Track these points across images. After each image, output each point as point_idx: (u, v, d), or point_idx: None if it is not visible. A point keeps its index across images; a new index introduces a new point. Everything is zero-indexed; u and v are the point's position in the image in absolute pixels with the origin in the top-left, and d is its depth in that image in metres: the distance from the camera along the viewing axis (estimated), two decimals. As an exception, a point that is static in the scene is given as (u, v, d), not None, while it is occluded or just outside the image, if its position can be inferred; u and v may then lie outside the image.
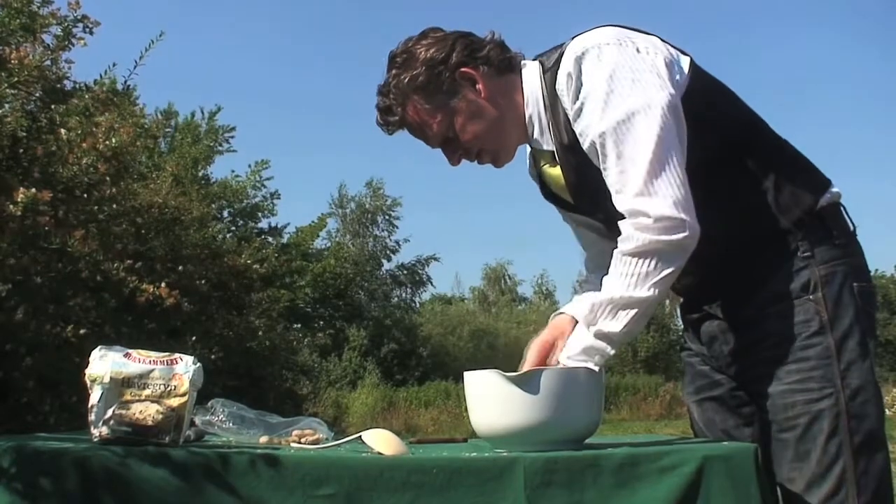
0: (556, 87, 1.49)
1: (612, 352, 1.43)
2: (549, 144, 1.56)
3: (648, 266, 1.39)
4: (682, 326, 1.76)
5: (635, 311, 1.40)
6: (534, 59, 1.60)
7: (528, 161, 1.72)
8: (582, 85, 1.44)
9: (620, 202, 1.42)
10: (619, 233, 1.43)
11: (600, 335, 1.42)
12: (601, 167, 1.44)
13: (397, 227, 24.91)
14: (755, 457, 1.26)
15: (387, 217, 24.89)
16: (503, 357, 19.35)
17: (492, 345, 23.12)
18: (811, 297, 1.46)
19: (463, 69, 1.53)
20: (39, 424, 3.49)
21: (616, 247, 1.43)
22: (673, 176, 1.38)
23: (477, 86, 1.54)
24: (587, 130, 1.44)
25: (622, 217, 1.42)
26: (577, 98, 1.44)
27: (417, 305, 25.70)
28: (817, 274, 1.47)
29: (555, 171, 1.59)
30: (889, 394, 13.60)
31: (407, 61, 1.55)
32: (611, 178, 1.43)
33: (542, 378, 1.34)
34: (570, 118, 1.48)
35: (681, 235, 1.37)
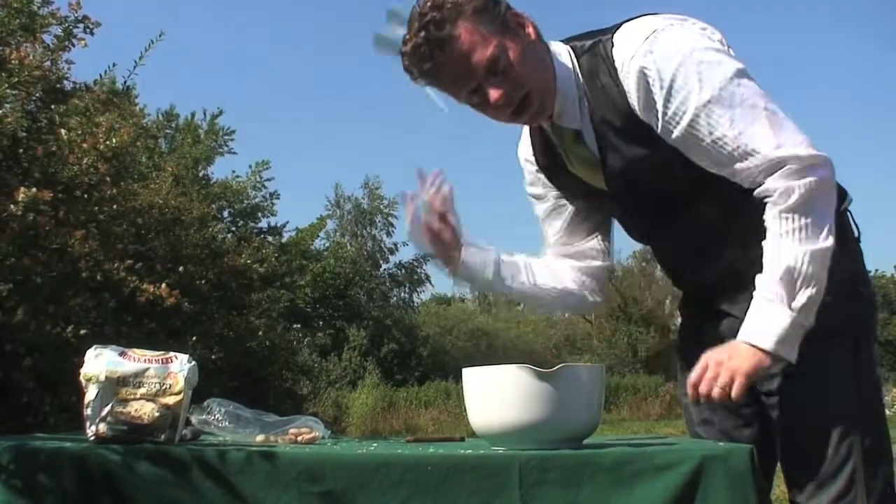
0: (617, 65, 1.42)
1: (812, 322, 1.35)
2: (572, 123, 1.50)
3: (818, 213, 1.33)
4: (681, 324, 1.75)
5: (822, 265, 1.33)
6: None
7: (524, 145, 1.69)
8: (665, 70, 1.38)
9: (753, 163, 1.35)
10: (642, 227, 1.39)
11: (805, 308, 1.33)
12: (705, 143, 1.38)
13: (395, 229, 24.91)
14: (751, 457, 1.26)
15: (385, 218, 24.88)
16: (503, 357, 19.36)
17: (491, 345, 23.12)
18: (827, 300, 1.46)
19: (513, 11, 1.46)
20: (39, 424, 3.49)
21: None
22: (791, 122, 1.37)
23: (528, 30, 1.47)
24: (684, 106, 1.37)
25: (673, 202, 1.40)
26: (663, 84, 1.38)
27: (416, 305, 25.71)
28: (833, 279, 1.47)
29: (583, 153, 1.53)
30: (889, 394, 13.60)
31: None
32: (727, 146, 1.36)
33: (542, 376, 1.34)
34: (635, 100, 1.41)
35: (827, 171, 1.34)
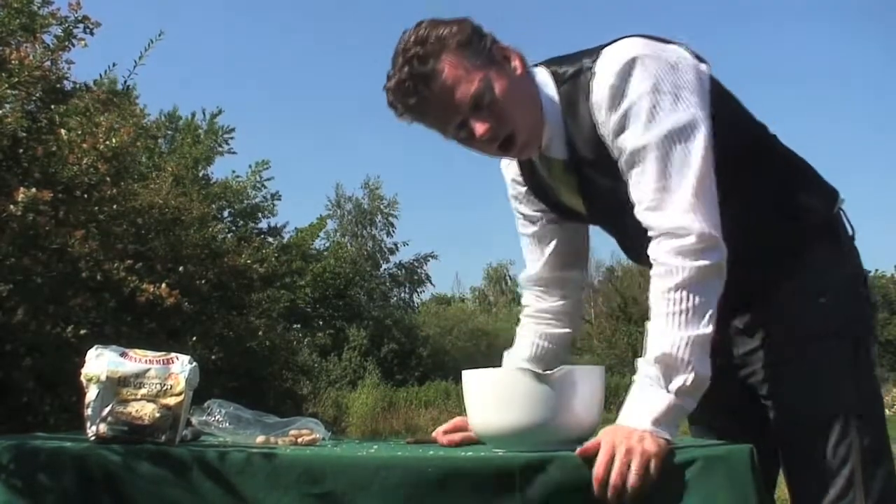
0: (592, 97, 1.42)
1: (695, 405, 1.32)
2: (559, 153, 1.50)
3: (703, 297, 1.30)
4: None
5: (703, 350, 1.30)
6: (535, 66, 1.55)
7: (510, 165, 1.68)
8: (625, 97, 1.38)
9: (658, 219, 1.35)
10: (632, 248, 1.40)
11: (683, 391, 1.29)
12: (632, 180, 1.38)
13: (395, 229, 24.92)
14: (752, 457, 1.26)
15: (385, 218, 24.88)
16: (502, 357, 19.31)
17: (491, 345, 23.11)
18: (824, 301, 1.47)
19: (499, 44, 1.45)
20: (39, 424, 3.49)
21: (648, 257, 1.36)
22: (713, 197, 1.35)
23: (514, 63, 1.45)
24: (625, 143, 1.38)
25: (645, 234, 1.36)
26: (618, 109, 1.38)
27: (416, 305, 25.71)
28: (830, 280, 1.48)
29: (569, 181, 1.54)
30: (889, 394, 13.60)
31: (438, 24, 1.42)
32: (646, 194, 1.36)
33: (541, 378, 1.33)
34: (608, 131, 1.41)
35: (718, 257, 1.32)
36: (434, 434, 1.59)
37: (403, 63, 1.40)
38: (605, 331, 25.26)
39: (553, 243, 1.70)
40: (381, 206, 24.94)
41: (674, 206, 1.34)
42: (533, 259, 1.72)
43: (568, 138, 1.47)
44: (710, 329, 1.30)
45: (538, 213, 1.69)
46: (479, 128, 1.42)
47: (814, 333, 1.46)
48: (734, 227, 1.39)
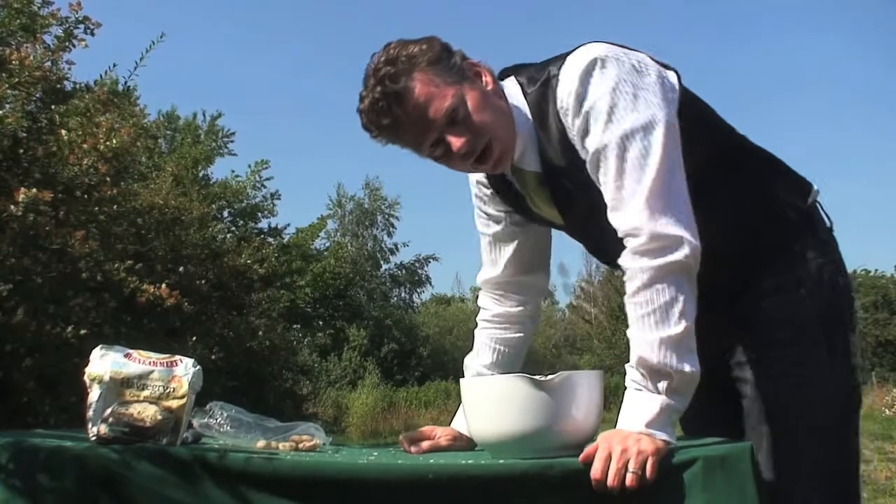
0: (558, 104, 1.43)
1: (687, 402, 1.32)
2: (532, 165, 1.50)
3: (668, 297, 1.30)
4: None
5: (679, 348, 1.29)
6: (502, 75, 1.54)
7: (474, 176, 1.67)
8: (587, 98, 1.38)
9: (617, 220, 1.36)
10: (605, 255, 1.40)
11: (671, 390, 1.30)
12: (599, 182, 1.39)
13: (396, 229, 24.93)
14: (751, 456, 1.26)
15: (386, 218, 24.89)
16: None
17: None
18: (803, 292, 1.48)
19: (469, 60, 1.46)
20: (39, 425, 3.48)
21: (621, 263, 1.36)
22: (675, 194, 1.34)
23: (484, 78, 1.46)
24: (589, 144, 1.39)
25: (616, 236, 1.37)
26: (581, 111, 1.39)
27: (416, 305, 25.71)
28: (809, 271, 1.50)
29: (543, 192, 1.54)
30: (889, 394, 13.59)
31: (407, 44, 1.44)
32: (608, 194, 1.37)
33: (540, 385, 1.32)
34: (575, 134, 1.42)
35: (679, 254, 1.31)
36: (400, 440, 1.61)
37: (375, 83, 1.40)
38: (605, 331, 25.25)
39: (513, 246, 1.68)
40: (383, 207, 24.95)
41: (629, 206, 1.34)
42: (491, 260, 1.71)
43: (540, 150, 1.48)
44: (681, 327, 1.30)
45: (501, 214, 1.68)
46: (456, 142, 1.42)
47: (794, 325, 1.48)
48: (713, 228, 1.40)
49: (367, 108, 1.42)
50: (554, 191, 1.51)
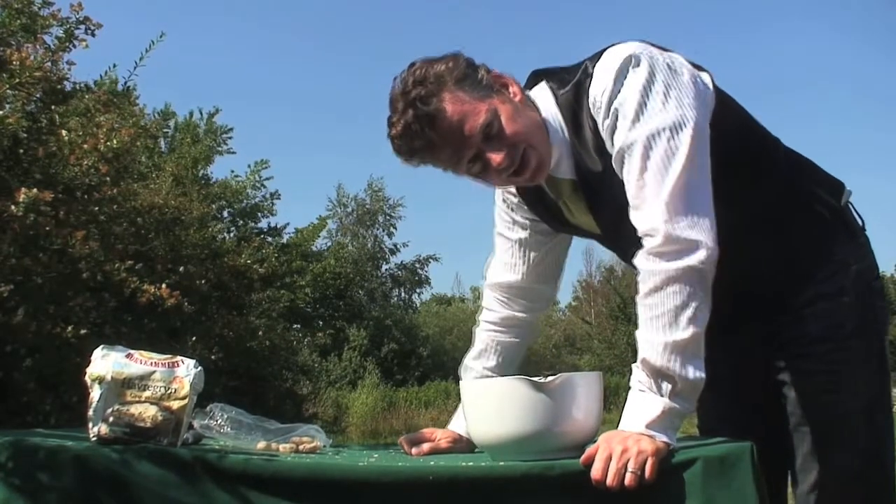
0: (591, 100, 1.41)
1: (691, 407, 1.32)
2: (567, 173, 1.49)
3: (680, 301, 1.29)
4: None
5: (685, 353, 1.29)
6: (529, 82, 1.53)
7: (504, 196, 1.66)
8: (619, 94, 1.37)
9: (637, 218, 1.35)
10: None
11: (675, 394, 1.29)
12: (624, 178, 1.37)
13: (396, 229, 24.91)
14: (752, 456, 1.26)
15: (387, 218, 24.88)
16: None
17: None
18: (845, 299, 1.48)
19: (494, 73, 1.45)
20: (40, 425, 3.49)
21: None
22: (697, 197, 1.33)
23: (511, 89, 1.45)
24: (617, 140, 1.38)
25: (638, 237, 1.35)
26: (612, 107, 1.37)
27: (417, 305, 25.70)
28: (848, 275, 1.50)
29: (579, 200, 1.52)
30: (893, 392, 13.61)
31: (433, 62, 1.42)
32: (631, 192, 1.35)
33: (539, 387, 1.32)
34: (606, 129, 1.40)
35: (694, 259, 1.29)
36: (400, 442, 1.61)
37: (406, 106, 1.39)
38: (605, 331, 25.23)
39: (535, 254, 1.68)
40: (384, 207, 24.93)
41: (649, 205, 1.33)
42: (510, 264, 1.69)
43: (574, 156, 1.47)
44: (689, 332, 1.29)
45: (527, 221, 1.67)
46: (496, 157, 1.41)
47: (836, 332, 1.48)
48: (749, 231, 1.40)
49: (401, 132, 1.40)
50: (589, 197, 1.50)
